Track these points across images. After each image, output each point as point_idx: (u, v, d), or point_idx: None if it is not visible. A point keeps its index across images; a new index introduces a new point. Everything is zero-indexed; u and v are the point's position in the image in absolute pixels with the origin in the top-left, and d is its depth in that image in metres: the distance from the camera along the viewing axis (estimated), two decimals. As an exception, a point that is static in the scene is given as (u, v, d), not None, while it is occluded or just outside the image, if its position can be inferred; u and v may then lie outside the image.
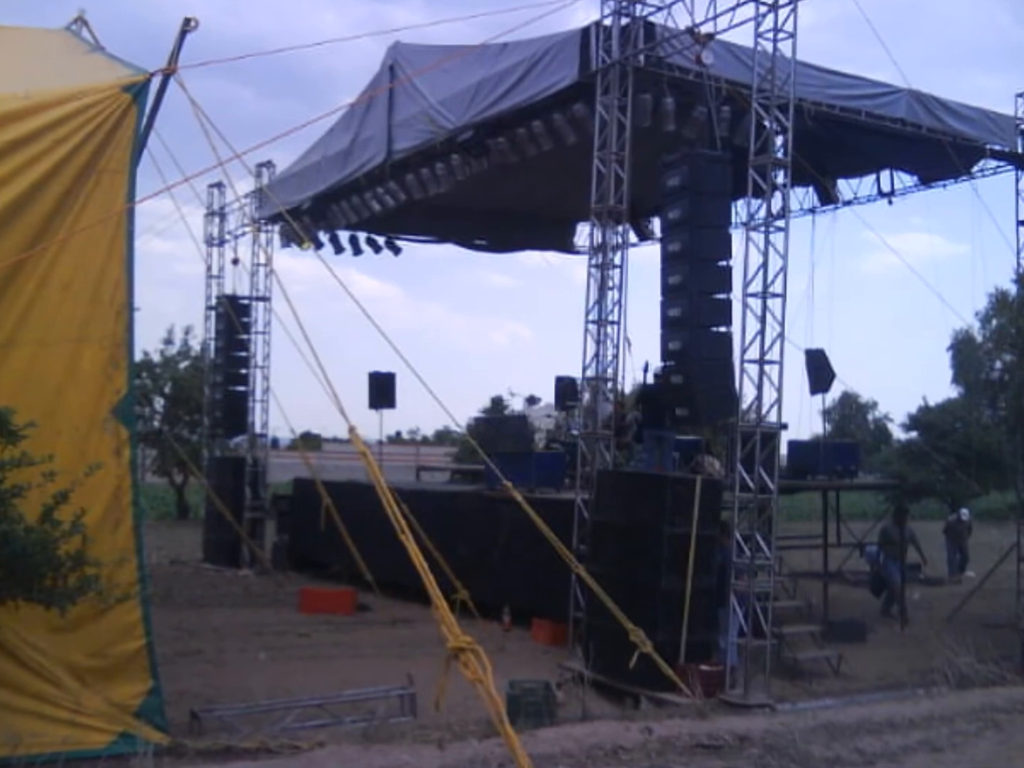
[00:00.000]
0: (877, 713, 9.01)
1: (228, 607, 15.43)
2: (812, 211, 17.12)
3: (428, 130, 14.67)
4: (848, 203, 16.93)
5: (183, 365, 28.70)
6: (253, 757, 7.56)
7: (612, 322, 12.03)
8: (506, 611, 13.55)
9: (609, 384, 12.25)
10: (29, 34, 10.75)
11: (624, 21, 11.71)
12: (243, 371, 20.49)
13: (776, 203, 10.41)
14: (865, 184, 16.67)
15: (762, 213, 10.39)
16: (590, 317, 12.11)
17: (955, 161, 14.10)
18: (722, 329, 10.89)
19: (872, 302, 79.11)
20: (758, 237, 10.32)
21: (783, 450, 12.39)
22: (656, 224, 19.18)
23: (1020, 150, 15.00)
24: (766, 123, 10.34)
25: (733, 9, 10.91)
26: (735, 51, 11.80)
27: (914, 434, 34.34)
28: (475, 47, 13.35)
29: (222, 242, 21.25)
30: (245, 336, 20.25)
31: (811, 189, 16.95)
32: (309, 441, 38.25)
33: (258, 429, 20.71)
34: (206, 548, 20.38)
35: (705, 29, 11.20)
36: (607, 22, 11.78)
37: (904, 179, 16.30)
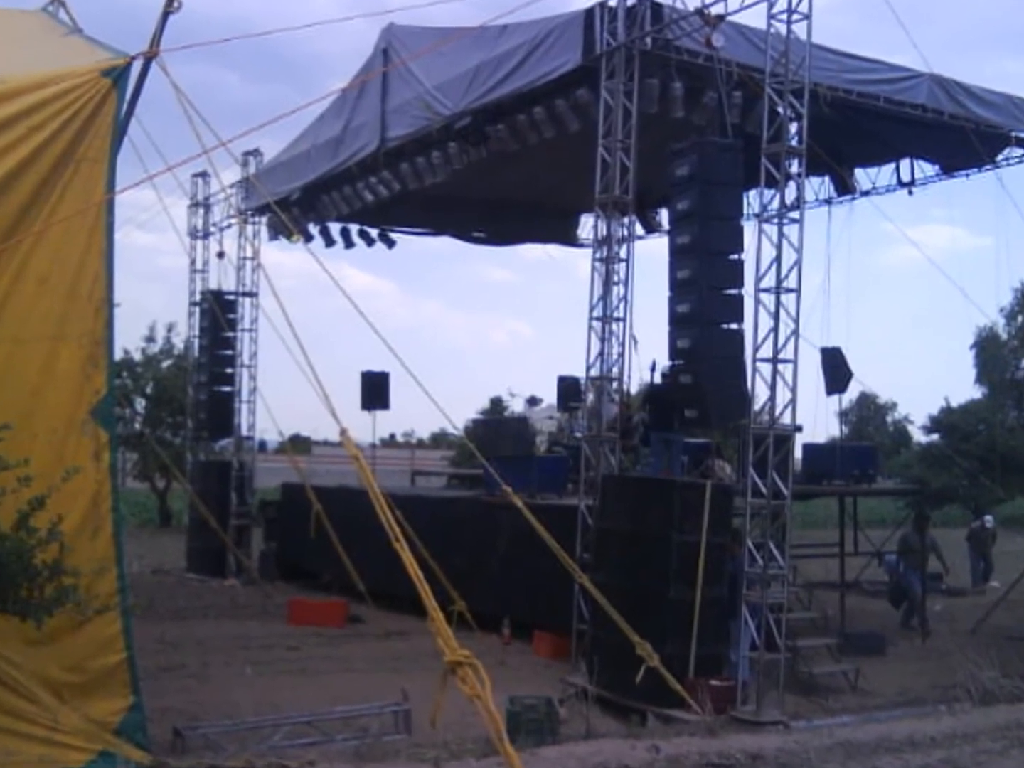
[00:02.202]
0: (897, 731, 9.02)
1: (213, 619, 15.44)
2: (828, 202, 17.12)
3: (424, 116, 14.68)
4: (866, 193, 16.94)
5: (166, 364, 28.70)
6: (239, 777, 7.57)
7: (617, 319, 12.03)
8: (506, 623, 13.56)
9: (614, 384, 12.24)
10: (2, 15, 10.74)
11: (630, 1, 11.71)
12: (229, 370, 20.46)
13: (790, 193, 10.41)
14: (884, 173, 16.69)
15: (775, 204, 10.40)
16: (594, 313, 12.11)
17: (978, 149, 14.11)
18: (733, 326, 10.89)
19: (891, 297, 79.27)
20: (771, 229, 10.33)
21: (797, 453, 12.40)
22: (664, 216, 19.19)
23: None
24: (780, 109, 10.34)
25: (745, -11, 10.93)
26: (747, 33, 11.80)
27: (935, 436, 34.33)
28: (473, 29, 13.35)
29: (207, 234, 21.24)
30: (231, 333, 20.22)
31: (827, 179, 16.95)
32: (298, 444, 38.31)
33: (244, 431, 20.71)
34: (190, 557, 20.36)
35: (715, 10, 11.19)
36: (612, 2, 11.76)
37: (925, 168, 16.31)
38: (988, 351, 33.32)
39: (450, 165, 14.80)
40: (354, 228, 19.81)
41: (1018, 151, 15.25)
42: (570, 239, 22.00)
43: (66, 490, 7.02)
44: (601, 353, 12.08)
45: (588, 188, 12.21)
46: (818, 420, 25.00)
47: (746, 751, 8.21)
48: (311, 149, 17.54)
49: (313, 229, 19.29)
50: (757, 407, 10.66)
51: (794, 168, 10.44)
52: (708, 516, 10.18)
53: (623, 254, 12.12)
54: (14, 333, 7.57)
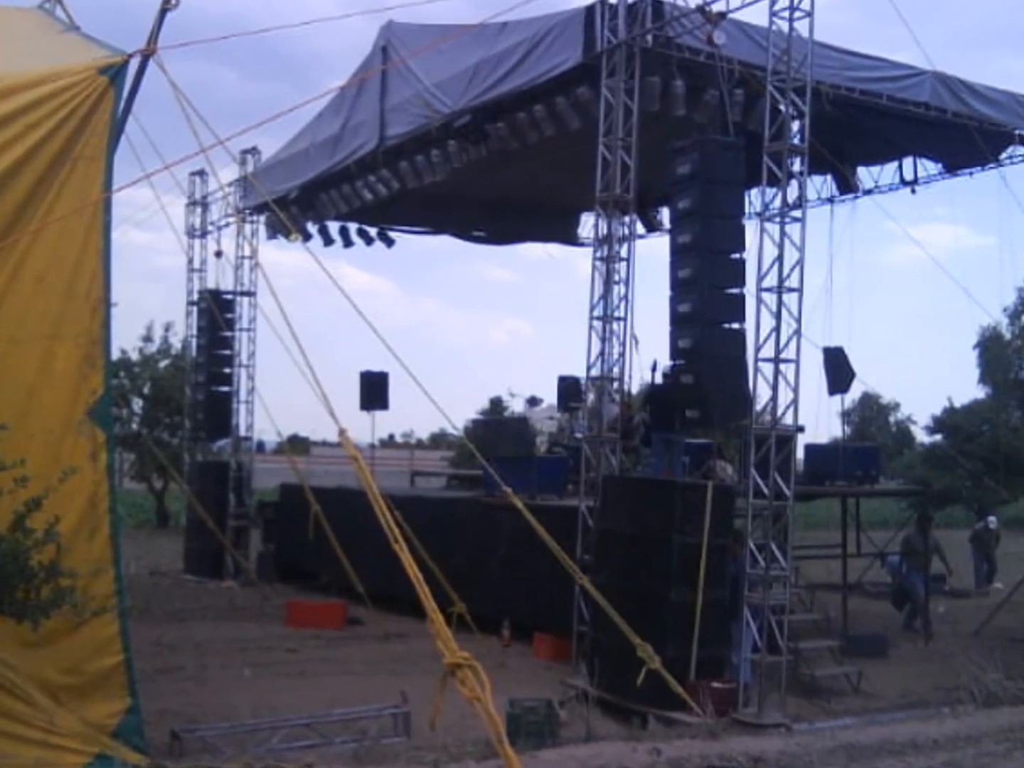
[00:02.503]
0: (899, 733, 9.02)
1: (211, 621, 15.44)
2: (830, 200, 17.12)
3: (423, 115, 14.67)
4: (869, 192, 16.93)
5: (163, 364, 28.72)
6: (237, 779, 7.57)
7: (618, 318, 12.03)
8: (506, 625, 13.55)
9: (615, 384, 12.24)
10: (-1, 13, 10.75)
11: (631, -1, 11.72)
12: (227, 370, 20.46)
13: (792, 192, 10.40)
14: (887, 172, 16.69)
15: (777, 203, 10.40)
16: (595, 313, 12.11)
17: (982, 147, 14.10)
18: (735, 326, 10.88)
19: (894, 297, 79.30)
20: (773, 228, 10.32)
21: (799, 454, 12.42)
22: (665, 214, 19.19)
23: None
24: (781, 107, 10.34)
25: (747, -14, 10.93)
26: (749, 31, 11.80)
27: (938, 437, 34.37)
28: (473, 26, 13.34)
29: (204, 233, 21.24)
30: (229, 333, 20.23)
31: (829, 177, 16.95)
32: (297, 445, 38.26)
33: (242, 432, 20.69)
34: (187, 558, 20.37)
35: (717, 7, 11.20)
36: (613, 0, 11.78)
37: (928, 167, 16.32)
38: (992, 351, 33.33)
39: (450, 163, 14.80)
40: (353, 227, 19.81)
41: (1022, 149, 15.26)
42: (570, 238, 21.99)
43: (63, 491, 7.02)
44: (602, 353, 12.07)
45: (589, 187, 12.20)
46: (820, 420, 24.98)
47: (748, 754, 8.21)
48: (310, 147, 17.54)
49: (311, 228, 19.29)
50: (759, 407, 10.64)
51: (796, 166, 10.44)
52: (709, 517, 10.18)
53: (624, 253, 12.12)
54: (10, 333, 7.57)
